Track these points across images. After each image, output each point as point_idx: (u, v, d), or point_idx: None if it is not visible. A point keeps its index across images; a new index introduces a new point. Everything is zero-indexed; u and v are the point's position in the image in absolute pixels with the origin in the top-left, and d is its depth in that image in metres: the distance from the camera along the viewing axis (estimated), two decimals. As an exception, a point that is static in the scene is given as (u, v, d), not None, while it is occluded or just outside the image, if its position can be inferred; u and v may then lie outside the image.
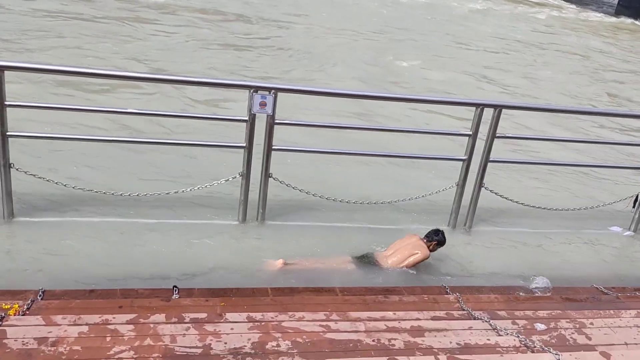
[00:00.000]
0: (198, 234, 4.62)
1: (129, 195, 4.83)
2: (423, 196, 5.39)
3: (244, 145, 4.67)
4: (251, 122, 4.58)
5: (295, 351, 2.68)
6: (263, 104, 4.50)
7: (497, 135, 5.06)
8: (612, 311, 3.64)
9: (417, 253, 4.46)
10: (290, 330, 2.94)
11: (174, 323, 3.02)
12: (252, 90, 4.48)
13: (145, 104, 7.52)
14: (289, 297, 3.59)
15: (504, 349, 2.91)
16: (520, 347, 2.95)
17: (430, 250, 4.53)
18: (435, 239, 4.59)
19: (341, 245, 4.68)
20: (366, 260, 4.45)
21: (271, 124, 4.62)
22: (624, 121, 9.89)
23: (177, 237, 4.56)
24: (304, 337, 2.85)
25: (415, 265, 4.47)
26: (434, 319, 3.33)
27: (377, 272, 4.36)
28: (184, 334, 2.80)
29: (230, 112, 7.33)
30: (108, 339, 2.76)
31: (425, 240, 4.58)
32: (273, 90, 4.48)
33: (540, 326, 3.23)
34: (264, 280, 4.10)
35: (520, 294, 3.88)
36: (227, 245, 4.56)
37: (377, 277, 4.29)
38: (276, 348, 2.68)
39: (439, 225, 5.27)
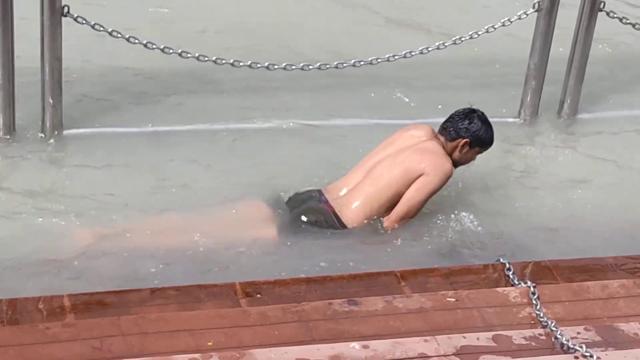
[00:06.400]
0: None
1: None
2: (459, 41, 3.57)
3: None
4: None
5: None
6: None
7: None
8: None
9: (423, 176, 2.80)
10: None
11: None
12: None
13: None
14: (121, 316, 2.24)
15: None
16: None
17: (456, 161, 2.88)
18: (470, 133, 2.85)
19: (248, 175, 3.19)
20: (307, 210, 2.94)
21: None
22: None
23: None
24: None
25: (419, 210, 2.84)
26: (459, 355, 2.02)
27: (333, 237, 2.92)
28: None
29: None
30: None
31: (442, 139, 2.90)
32: None
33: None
34: (64, 276, 2.72)
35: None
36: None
37: (333, 251, 2.88)
38: None
39: (503, 116, 3.66)
